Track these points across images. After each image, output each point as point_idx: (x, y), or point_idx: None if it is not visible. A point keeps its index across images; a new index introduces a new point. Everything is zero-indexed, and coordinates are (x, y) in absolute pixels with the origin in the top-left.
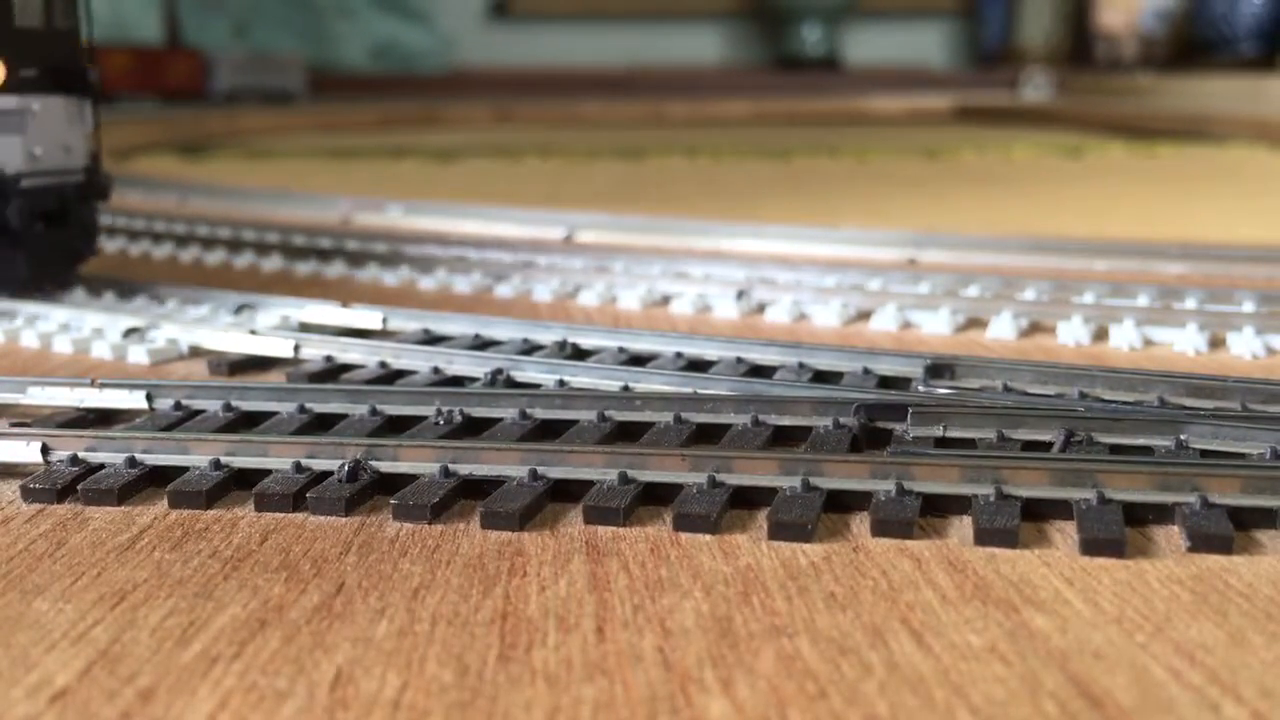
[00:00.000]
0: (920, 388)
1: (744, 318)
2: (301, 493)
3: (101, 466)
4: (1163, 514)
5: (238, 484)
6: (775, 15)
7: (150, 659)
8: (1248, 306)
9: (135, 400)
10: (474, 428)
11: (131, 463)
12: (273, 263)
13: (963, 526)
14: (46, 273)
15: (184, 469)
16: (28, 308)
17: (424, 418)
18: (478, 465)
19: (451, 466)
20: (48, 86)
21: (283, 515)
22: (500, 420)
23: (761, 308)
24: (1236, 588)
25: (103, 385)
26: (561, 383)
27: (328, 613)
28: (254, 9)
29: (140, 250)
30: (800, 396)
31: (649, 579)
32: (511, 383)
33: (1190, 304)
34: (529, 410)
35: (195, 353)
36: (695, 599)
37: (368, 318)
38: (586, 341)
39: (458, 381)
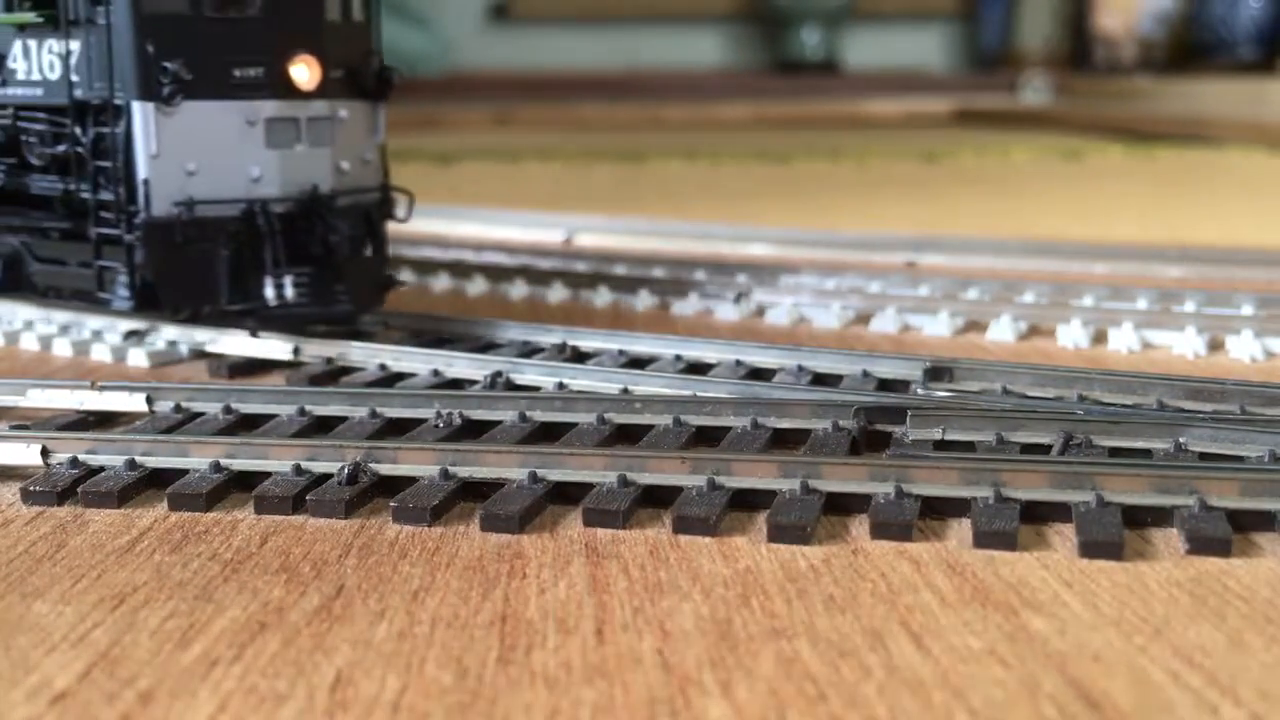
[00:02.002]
0: (919, 390)
1: (743, 320)
2: (301, 495)
3: (101, 469)
4: (1161, 517)
5: (238, 486)
6: (774, 18)
7: (150, 661)
8: (1247, 309)
9: (135, 403)
10: (474, 430)
11: (131, 465)
12: None
13: (962, 529)
14: (362, 307)
15: (184, 471)
16: (28, 309)
17: (424, 420)
18: (477, 468)
19: (451, 469)
20: (348, 90)
21: (283, 517)
22: (500, 423)
23: (761, 310)
24: (1235, 590)
25: (103, 388)
26: (561, 385)
27: (327, 615)
28: None
29: None
30: (799, 399)
31: (648, 581)
32: (511, 385)
33: (1189, 307)
34: (528, 413)
35: (195, 355)
36: (695, 601)
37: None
38: (586, 344)
39: (457, 384)
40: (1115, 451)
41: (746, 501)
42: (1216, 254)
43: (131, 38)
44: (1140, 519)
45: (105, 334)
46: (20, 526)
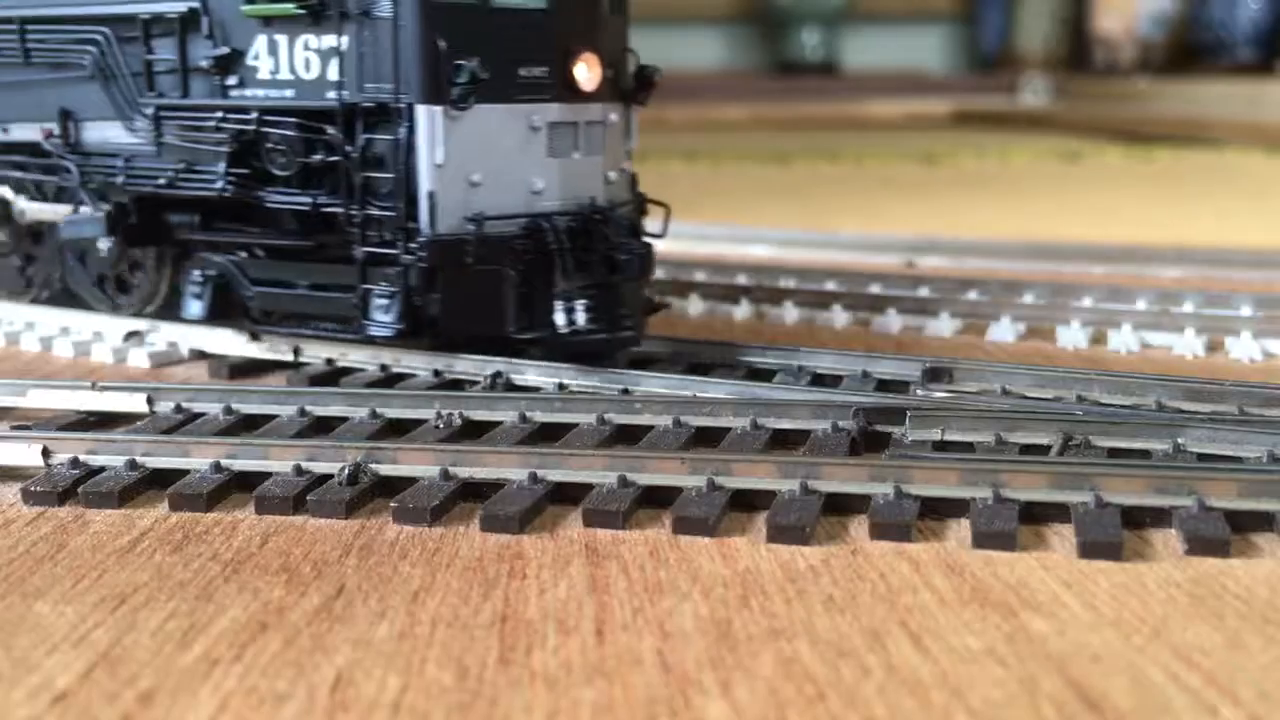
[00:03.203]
0: (919, 391)
1: (748, 321)
2: (302, 495)
3: (102, 469)
4: (1160, 517)
5: (238, 487)
6: (774, 20)
7: (151, 661)
8: (1245, 310)
9: (136, 403)
10: (474, 431)
11: (132, 465)
12: None
13: (961, 529)
14: (640, 332)
15: (185, 472)
16: (26, 311)
17: (424, 421)
18: (478, 468)
19: (451, 469)
20: (613, 92)
21: (283, 518)
22: (500, 423)
23: (761, 315)
24: (1234, 591)
25: (103, 388)
26: (561, 386)
27: (328, 615)
28: None
29: None
30: (799, 400)
31: (648, 582)
32: (511, 386)
33: (1188, 308)
34: (529, 413)
35: (196, 356)
36: (694, 602)
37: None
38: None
39: (457, 385)
40: (1114, 452)
41: (746, 502)
42: (1215, 255)
43: (420, 32)
44: (1139, 519)
45: (106, 335)
46: (21, 527)
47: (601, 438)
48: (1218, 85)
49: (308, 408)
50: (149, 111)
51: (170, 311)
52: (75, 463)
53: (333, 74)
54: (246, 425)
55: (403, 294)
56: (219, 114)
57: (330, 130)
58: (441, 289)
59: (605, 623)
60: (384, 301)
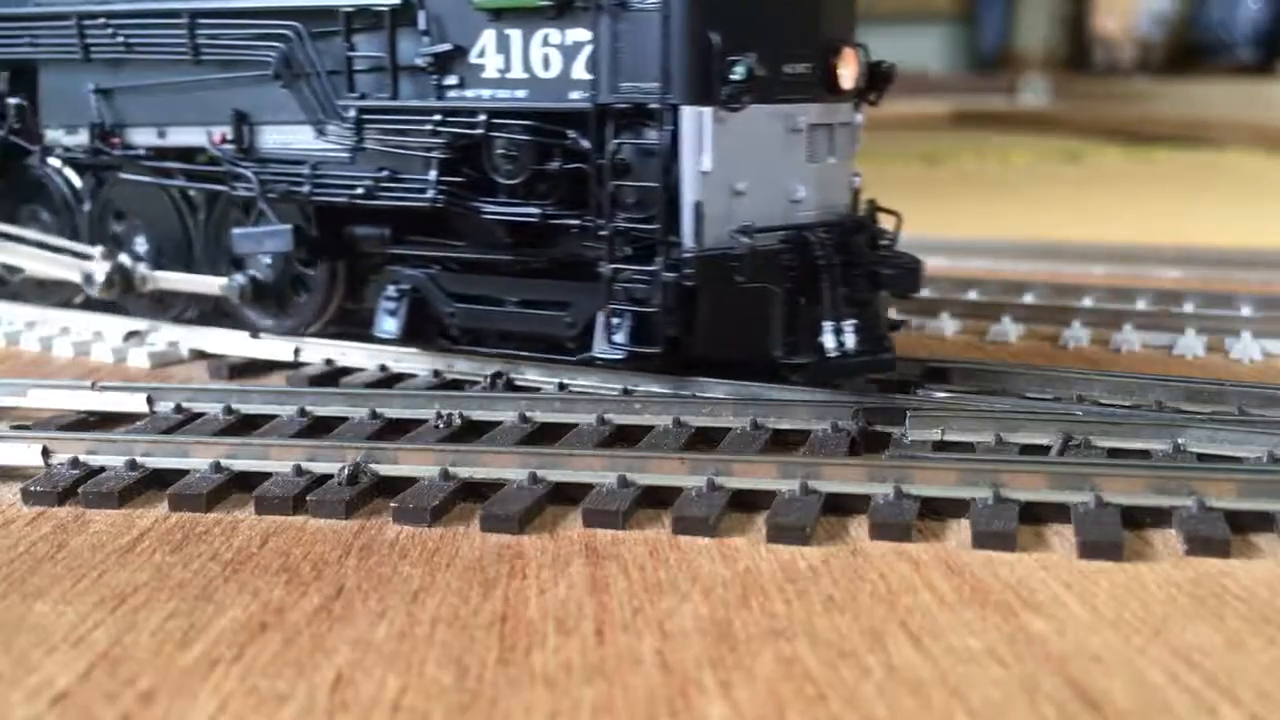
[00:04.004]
0: (919, 391)
1: None
2: (302, 496)
3: (102, 469)
4: (1160, 517)
5: (238, 487)
6: None
7: (151, 661)
8: (1245, 311)
9: (136, 403)
10: (474, 431)
11: (132, 465)
12: None
13: (961, 529)
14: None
15: (184, 472)
16: (27, 311)
17: (424, 421)
18: (477, 468)
19: (451, 469)
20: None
21: (283, 518)
22: (500, 423)
23: None
24: (1234, 591)
25: (103, 388)
26: (561, 386)
27: (328, 615)
28: None
29: None
30: (799, 400)
31: (648, 582)
32: (511, 386)
33: (1188, 308)
34: (529, 413)
35: (196, 356)
36: (694, 602)
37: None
38: None
39: (457, 385)
40: (1114, 452)
41: (746, 502)
42: (1215, 255)
43: (691, 24)
44: (1139, 520)
45: (106, 335)
46: (21, 527)
47: (601, 438)
48: (1218, 85)
49: (308, 408)
50: (349, 114)
51: (336, 329)
52: (75, 463)
53: (578, 72)
54: (246, 425)
55: (656, 314)
56: (436, 117)
57: (571, 134)
58: (704, 309)
59: (605, 623)
60: (618, 321)
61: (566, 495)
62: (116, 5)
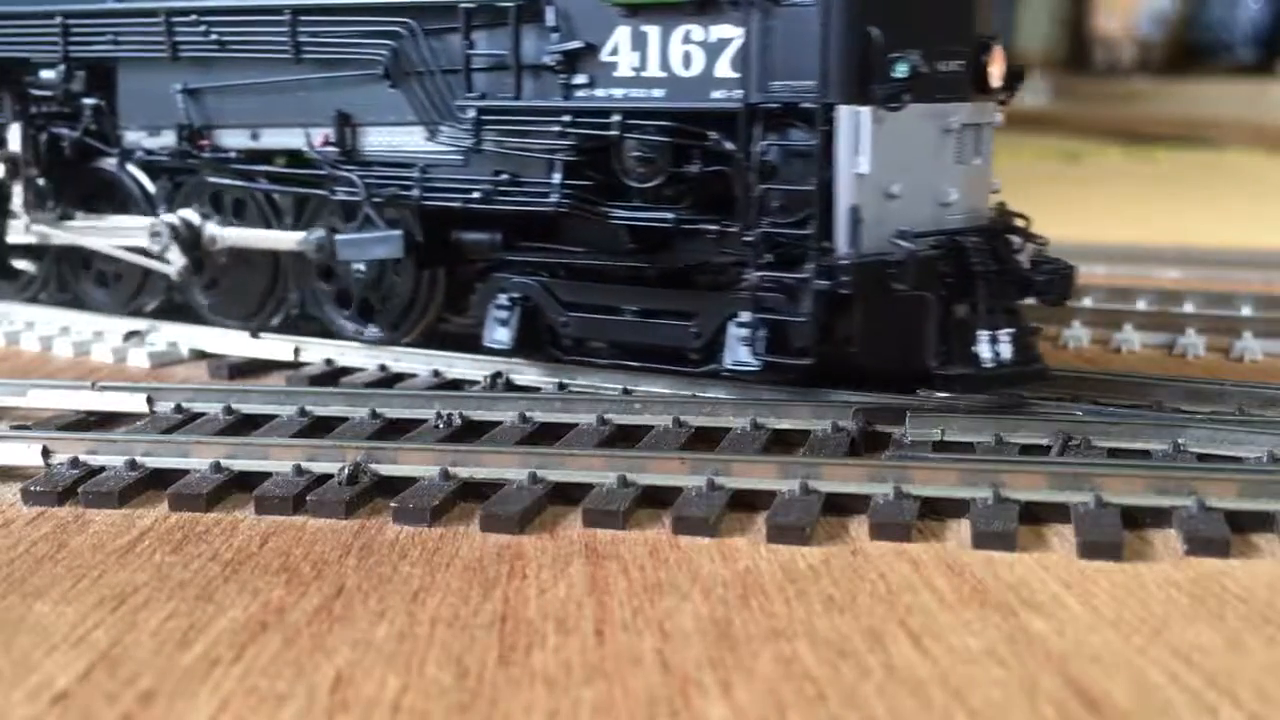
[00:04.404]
0: (919, 391)
1: None
2: (302, 495)
3: (102, 469)
4: (1160, 517)
5: (238, 487)
6: None
7: (151, 661)
8: (1246, 311)
9: (136, 403)
10: (474, 431)
11: (132, 465)
12: None
13: (961, 530)
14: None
15: (184, 472)
16: (27, 310)
17: (424, 421)
18: (477, 468)
19: (451, 469)
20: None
21: (283, 518)
22: (500, 423)
23: None
24: (1234, 591)
25: (103, 388)
26: (561, 386)
27: (328, 615)
28: None
29: None
30: (799, 399)
31: (648, 582)
32: (511, 386)
33: (1189, 308)
34: (528, 413)
35: (196, 356)
36: (694, 602)
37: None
38: None
39: (457, 385)
40: (1114, 452)
41: (746, 502)
42: (1216, 255)
43: (850, 19)
44: (1139, 520)
45: (106, 334)
46: (21, 527)
47: (601, 438)
48: (1218, 85)
49: (308, 408)
50: (468, 115)
51: (424, 340)
52: (75, 462)
53: (722, 70)
54: (246, 425)
55: (800, 324)
56: (565, 117)
57: (712, 135)
58: (860, 318)
59: (605, 623)
60: (753, 332)
61: (566, 495)
62: (211, 1)
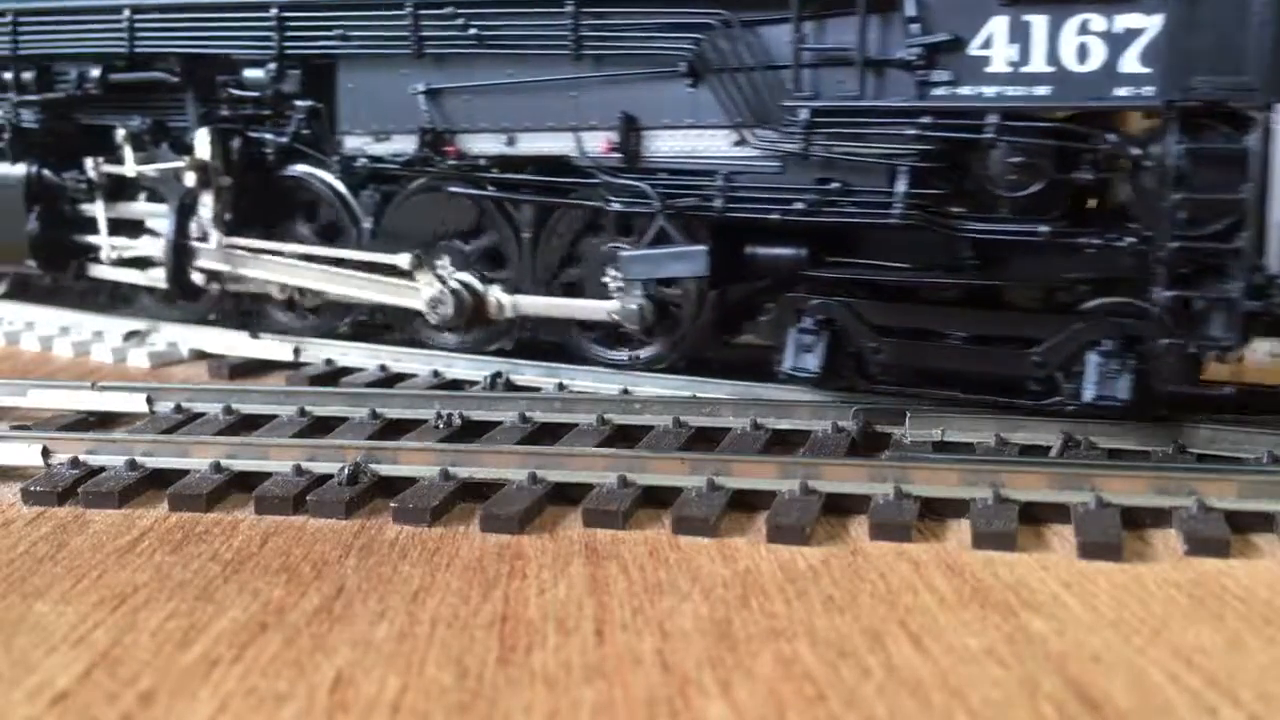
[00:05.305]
0: None
1: None
2: (302, 496)
3: (102, 469)
4: (1160, 518)
5: (238, 487)
6: None
7: (151, 662)
8: None
9: (136, 403)
10: (474, 431)
11: (132, 465)
12: None
13: (961, 530)
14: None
15: (184, 472)
16: (26, 310)
17: (424, 421)
18: (477, 468)
19: (451, 469)
20: None
21: (283, 518)
22: (500, 423)
23: None
24: (1234, 591)
25: (103, 388)
26: (561, 386)
27: (328, 615)
28: None
29: None
30: (799, 400)
31: (648, 582)
32: (511, 386)
33: None
34: (528, 413)
35: (196, 356)
36: (694, 602)
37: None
38: None
39: (457, 385)
40: (1114, 452)
41: (746, 502)
42: None
43: None
44: (1139, 520)
45: (106, 335)
46: (21, 527)
47: (602, 438)
48: None
49: (308, 408)
50: (798, 116)
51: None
52: (75, 463)
53: (1129, 65)
54: (246, 425)
55: (1209, 352)
56: (923, 119)
57: (1110, 138)
58: None
59: (605, 623)
60: (1114, 363)
61: (566, 495)
62: None
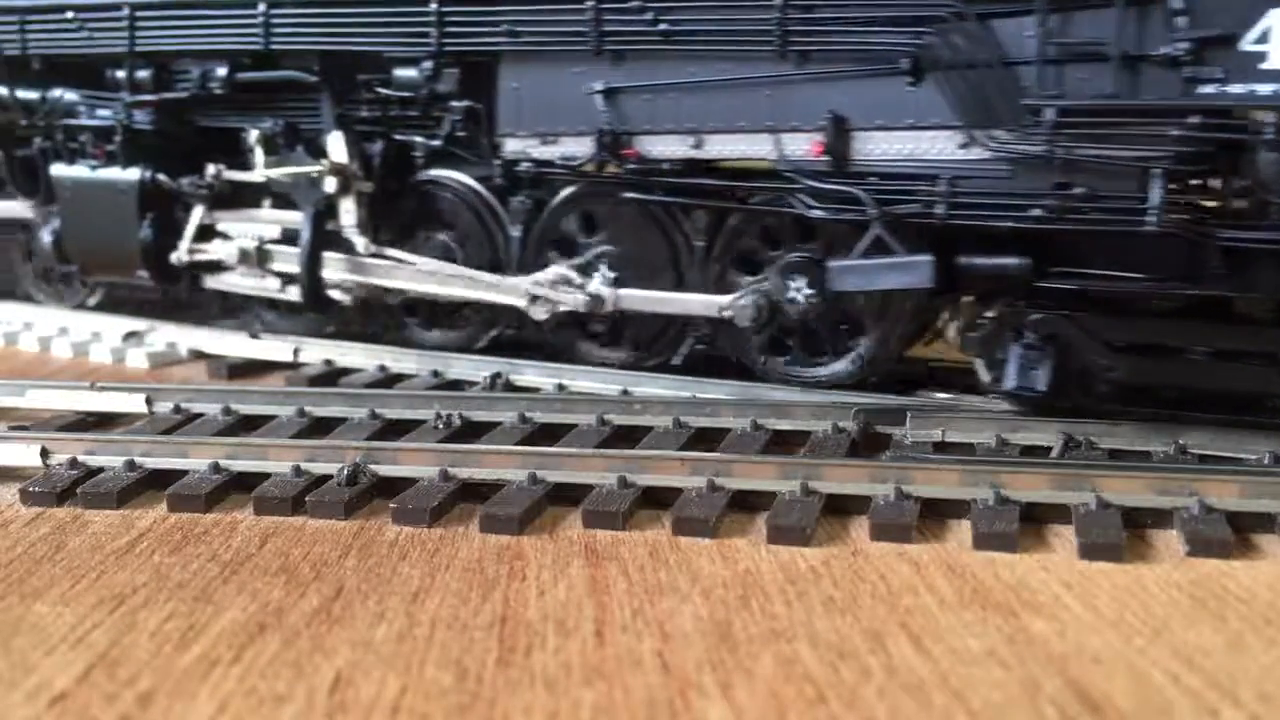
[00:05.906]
0: (918, 392)
1: None
2: (301, 496)
3: (101, 470)
4: (1161, 519)
5: (237, 487)
6: None
7: (150, 662)
8: None
9: (135, 403)
10: (473, 431)
11: (131, 466)
12: None
13: (961, 531)
14: None
15: (183, 472)
16: (26, 311)
17: (423, 421)
18: (477, 469)
19: (451, 470)
20: None
21: (282, 519)
22: (500, 424)
23: None
24: (1235, 592)
25: (102, 388)
26: (561, 386)
27: (327, 616)
28: None
29: None
30: (799, 400)
31: (648, 583)
32: (511, 386)
33: None
34: (528, 414)
35: (194, 356)
36: (694, 603)
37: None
38: None
39: (457, 385)
40: (1115, 453)
41: (746, 503)
42: None
43: None
44: (1140, 521)
45: (104, 335)
46: (20, 527)
47: (601, 438)
48: None
49: (307, 408)
50: (1043, 116)
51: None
52: (74, 463)
53: None
54: (245, 426)
55: None
56: (1190, 119)
57: None
58: None
59: (605, 624)
60: None
61: (566, 496)
62: None
